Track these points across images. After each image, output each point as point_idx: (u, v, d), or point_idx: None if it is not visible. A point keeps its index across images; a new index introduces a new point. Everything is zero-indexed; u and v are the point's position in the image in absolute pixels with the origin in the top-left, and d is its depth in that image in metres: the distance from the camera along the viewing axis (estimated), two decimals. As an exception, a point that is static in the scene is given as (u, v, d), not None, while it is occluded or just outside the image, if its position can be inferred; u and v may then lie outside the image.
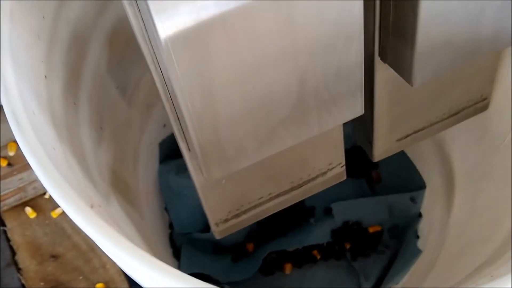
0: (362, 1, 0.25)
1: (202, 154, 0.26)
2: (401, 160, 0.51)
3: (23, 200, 0.51)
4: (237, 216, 0.35)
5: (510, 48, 0.38)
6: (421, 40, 0.29)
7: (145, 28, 0.23)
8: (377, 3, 0.30)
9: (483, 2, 0.29)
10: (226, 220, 0.35)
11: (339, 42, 0.26)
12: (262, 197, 0.35)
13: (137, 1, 0.23)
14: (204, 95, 0.24)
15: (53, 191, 0.20)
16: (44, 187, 0.20)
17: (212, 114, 0.25)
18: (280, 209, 0.36)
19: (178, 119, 0.27)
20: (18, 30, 0.24)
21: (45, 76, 0.26)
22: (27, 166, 0.52)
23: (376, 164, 0.52)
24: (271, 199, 0.35)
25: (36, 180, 0.52)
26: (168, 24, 0.21)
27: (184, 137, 0.28)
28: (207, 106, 0.25)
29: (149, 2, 0.20)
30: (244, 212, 0.35)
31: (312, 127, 0.28)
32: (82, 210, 0.19)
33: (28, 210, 0.50)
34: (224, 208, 0.34)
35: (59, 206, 0.50)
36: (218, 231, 0.35)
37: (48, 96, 0.26)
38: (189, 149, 0.29)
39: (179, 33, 0.21)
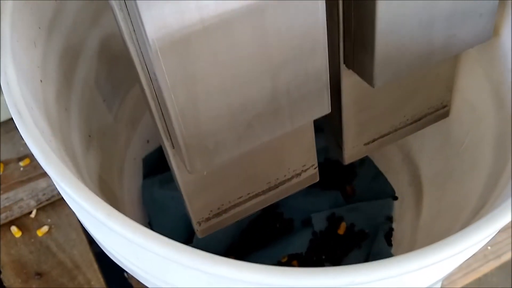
0: (325, 12, 0.28)
1: (185, 147, 0.29)
2: (373, 174, 0.55)
3: (9, 219, 0.51)
4: (218, 215, 0.37)
5: (466, 58, 0.42)
6: (379, 47, 0.32)
7: (134, 31, 0.26)
8: (340, 15, 0.34)
9: (434, 14, 0.33)
10: (208, 219, 0.37)
11: (306, 46, 0.29)
12: (241, 197, 0.37)
13: (128, 9, 0.26)
14: (187, 92, 0.27)
15: (50, 170, 0.22)
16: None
17: (194, 109, 0.28)
18: (258, 209, 0.38)
19: (163, 117, 0.30)
20: (17, 36, 0.27)
21: (41, 80, 0.29)
22: (12, 186, 0.53)
23: (350, 178, 0.55)
24: (250, 198, 0.37)
25: (22, 199, 0.53)
26: (156, 29, 0.24)
27: (169, 134, 0.31)
28: (189, 102, 0.27)
29: (141, 12, 0.23)
30: (225, 211, 0.37)
31: (285, 123, 0.31)
32: (80, 186, 0.22)
33: (14, 229, 0.51)
34: (206, 207, 0.36)
35: (44, 225, 0.52)
36: (200, 230, 0.37)
37: (43, 98, 0.29)
38: (173, 146, 0.31)
39: (166, 37, 0.24)
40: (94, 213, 0.22)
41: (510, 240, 0.50)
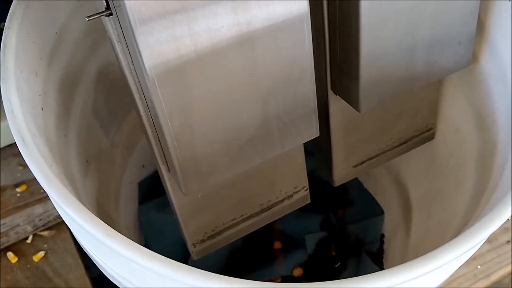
0: (311, 42, 0.30)
1: (180, 170, 0.30)
2: (362, 195, 0.56)
3: (5, 245, 0.52)
4: (212, 237, 0.38)
5: (449, 83, 0.44)
6: (364, 74, 0.34)
7: (132, 62, 0.28)
8: (327, 45, 0.36)
9: (415, 42, 0.35)
10: (203, 241, 0.38)
11: (294, 74, 0.31)
12: (235, 219, 0.38)
13: (126, 40, 0.27)
14: (183, 119, 0.28)
15: (52, 192, 0.23)
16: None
17: (189, 134, 0.29)
18: (251, 231, 0.40)
19: (160, 142, 0.31)
20: (20, 67, 0.29)
21: (42, 108, 0.31)
22: (9, 212, 0.54)
23: (342, 202, 0.56)
24: (243, 220, 0.39)
25: (19, 225, 0.53)
26: (154, 59, 0.25)
27: (165, 158, 0.32)
28: (185, 128, 0.29)
29: (139, 43, 0.25)
30: (219, 233, 0.38)
31: (275, 147, 0.32)
32: (82, 208, 0.23)
33: (10, 255, 0.51)
34: (201, 229, 0.37)
35: (41, 250, 0.52)
36: (195, 252, 0.38)
37: (44, 125, 0.30)
38: (169, 170, 0.33)
39: (163, 67, 0.26)
40: (94, 234, 0.23)
41: (500, 259, 0.51)
